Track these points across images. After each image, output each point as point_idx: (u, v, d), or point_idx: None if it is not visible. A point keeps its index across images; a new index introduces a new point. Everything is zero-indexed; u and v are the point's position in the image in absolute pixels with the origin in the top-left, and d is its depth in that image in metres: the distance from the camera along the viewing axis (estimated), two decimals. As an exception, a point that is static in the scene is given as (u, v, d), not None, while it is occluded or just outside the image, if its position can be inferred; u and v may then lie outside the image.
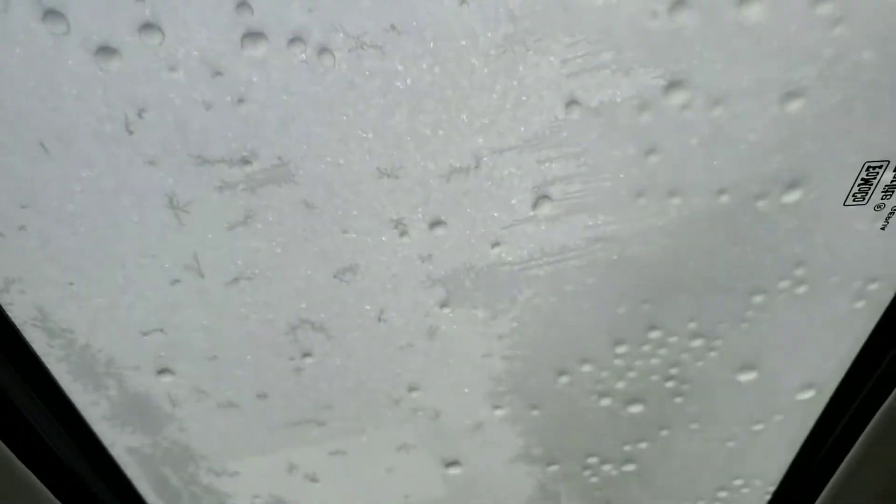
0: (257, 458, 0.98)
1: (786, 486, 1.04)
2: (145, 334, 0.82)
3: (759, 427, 0.96)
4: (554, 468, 1.02)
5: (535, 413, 0.94)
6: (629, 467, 1.01)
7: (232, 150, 0.67)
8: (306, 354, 0.86)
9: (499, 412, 0.94)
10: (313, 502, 1.05)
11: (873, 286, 0.81)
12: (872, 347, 0.87)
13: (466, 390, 0.91)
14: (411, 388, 0.91)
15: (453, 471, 1.01)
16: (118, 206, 0.71)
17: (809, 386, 0.91)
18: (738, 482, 1.04)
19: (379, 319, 0.82)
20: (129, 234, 0.73)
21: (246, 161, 0.68)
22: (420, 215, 0.73)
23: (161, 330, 0.82)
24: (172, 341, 0.83)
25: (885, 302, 0.82)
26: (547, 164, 0.69)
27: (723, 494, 1.06)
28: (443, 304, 0.82)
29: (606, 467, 1.01)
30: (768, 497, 1.05)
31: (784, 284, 0.80)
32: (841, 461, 0.92)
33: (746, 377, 0.90)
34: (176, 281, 0.77)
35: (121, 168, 0.68)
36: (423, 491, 1.04)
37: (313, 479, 1.01)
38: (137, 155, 0.67)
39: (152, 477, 0.99)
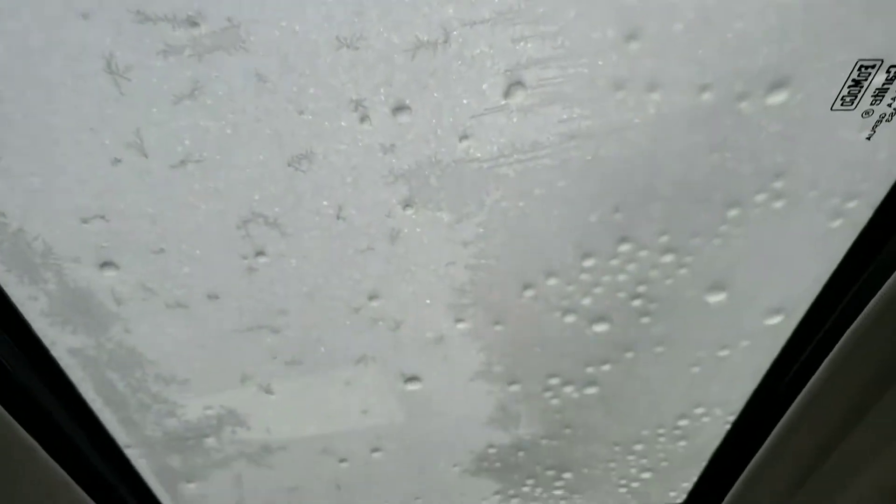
0: (208, 366, 0.94)
1: (746, 416, 1.04)
2: (85, 221, 0.76)
3: (724, 353, 0.95)
4: (515, 388, 1.00)
5: (497, 328, 0.92)
6: (591, 390, 1.00)
7: (176, 7, 0.61)
8: (259, 253, 0.81)
9: (461, 326, 0.91)
10: (268, 415, 1.02)
11: (851, 204, 0.78)
12: (844, 271, 0.85)
13: (428, 301, 0.88)
14: (371, 297, 0.87)
15: (412, 386, 0.99)
16: (50, 67, 0.64)
17: (778, 311, 0.90)
18: (700, 410, 1.03)
19: (337, 217, 0.78)
20: (63, 102, 0.67)
21: (192, 22, 0.62)
22: (382, 97, 0.68)
23: (102, 217, 0.76)
24: (115, 230, 0.78)
25: (862, 221, 0.80)
26: (521, 44, 0.64)
27: (683, 423, 1.05)
28: (406, 204, 0.77)
29: (568, 389, 1.00)
30: (728, 426, 1.05)
31: (761, 198, 0.77)
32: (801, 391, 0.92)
33: (716, 298, 0.88)
34: (117, 160, 0.71)
35: (50, 20, 0.61)
36: (382, 406, 1.01)
37: (268, 391, 0.98)
38: (68, 5, 0.60)
39: (98, 381, 0.95)
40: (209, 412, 1.01)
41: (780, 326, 0.91)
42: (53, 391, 0.94)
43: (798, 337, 0.94)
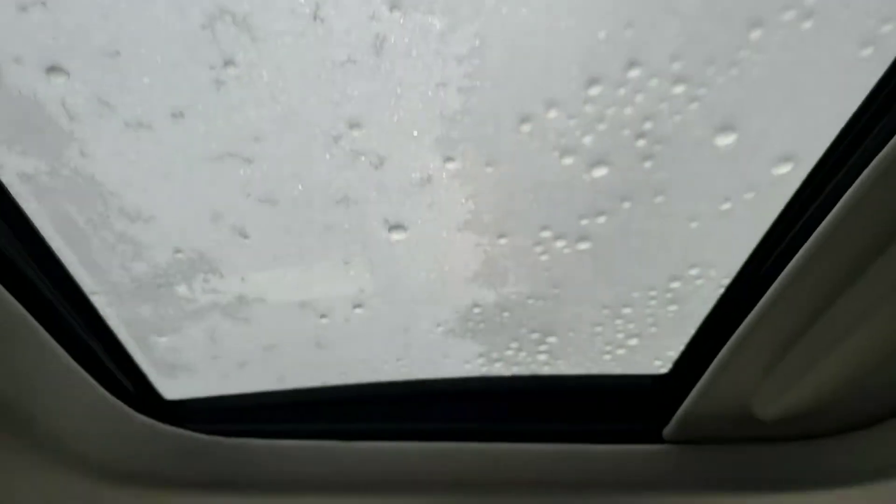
0: (176, 201, 0.87)
1: (740, 279, 1.01)
2: (23, 9, 0.67)
3: (726, 206, 0.90)
4: (504, 241, 0.95)
5: (489, 170, 0.85)
6: (583, 245, 0.95)
7: None
8: (228, 63, 0.72)
9: (450, 165, 0.84)
10: (242, 262, 0.96)
11: (887, 28, 0.71)
12: (865, 112, 0.79)
13: (415, 132, 0.81)
14: (352, 124, 0.79)
15: (397, 236, 0.93)
16: None
17: (789, 158, 0.84)
18: (694, 272, 1.00)
19: (314, 18, 0.69)
20: None
21: None
22: None
23: (42, 3, 0.66)
24: (60, 23, 0.68)
25: (894, 52, 0.73)
26: None
27: (675, 285, 1.02)
28: (392, 5, 0.68)
29: (559, 244, 0.95)
30: (721, 290, 1.02)
31: (789, 16, 0.70)
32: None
33: (724, 140, 0.82)
34: (53, -75, 0.61)
35: None
36: (364, 257, 0.96)
37: (242, 234, 0.92)
38: None
39: (55, 215, 0.88)
40: (179, 256, 0.95)
41: (787, 177, 0.86)
42: (8, 225, 0.88)
43: (804, 192, 0.90)
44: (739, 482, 1.08)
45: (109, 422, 1.01)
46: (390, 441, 1.12)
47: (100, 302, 1.00)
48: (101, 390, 0.99)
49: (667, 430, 1.12)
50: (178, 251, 0.94)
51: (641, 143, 0.82)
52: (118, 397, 1.04)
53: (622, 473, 1.10)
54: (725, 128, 0.81)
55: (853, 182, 0.78)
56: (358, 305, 1.05)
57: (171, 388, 1.17)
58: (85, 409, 0.96)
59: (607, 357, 1.16)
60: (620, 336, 1.11)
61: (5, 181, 0.83)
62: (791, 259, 0.88)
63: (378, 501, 1.11)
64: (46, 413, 0.90)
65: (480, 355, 1.15)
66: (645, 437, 1.13)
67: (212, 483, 1.10)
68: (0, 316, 0.79)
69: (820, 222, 0.83)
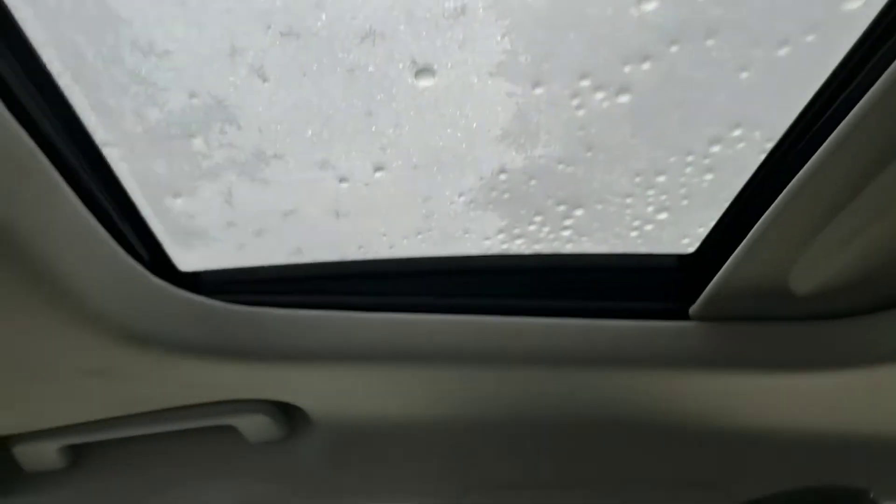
0: (192, 31, 0.81)
1: (784, 143, 0.95)
2: None
3: (783, 51, 0.83)
4: (539, 91, 0.89)
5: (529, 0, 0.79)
6: (623, 98, 0.89)
7: None
8: None
9: (486, -7, 0.78)
10: (261, 110, 0.91)
11: None
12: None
13: (451, -51, 0.74)
14: (383, -63, 0.73)
15: (424, 82, 0.87)
16: None
17: (858, -9, 0.77)
18: (737, 132, 0.94)
19: None
20: None
21: None
22: None
23: None
24: None
25: None
26: None
27: (716, 149, 0.97)
28: None
29: (598, 96, 0.89)
30: (764, 155, 0.97)
31: None
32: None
33: (790, -34, 0.75)
34: None
35: None
36: (388, 107, 0.91)
37: (261, 76, 0.87)
38: None
39: (62, 47, 0.82)
40: (194, 101, 0.90)
41: (856, 15, 0.79)
42: (14, 53, 0.82)
43: (872, 32, 0.82)
44: (768, 360, 1.06)
45: (125, 282, 0.98)
46: (408, 313, 1.10)
47: (112, 155, 0.96)
48: (118, 248, 0.96)
49: (693, 308, 1.09)
50: (193, 95, 0.89)
51: (698, -32, 0.75)
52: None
53: (645, 349, 1.08)
54: (792, -50, 0.73)
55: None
56: (379, 168, 1.00)
57: (186, 259, 1.14)
58: (100, 265, 0.93)
59: (634, 234, 1.12)
60: (651, 209, 1.07)
61: (9, 3, 0.77)
62: (843, 118, 0.82)
63: (392, 371, 1.10)
64: (61, 263, 0.86)
65: (501, 231, 1.11)
66: (670, 314, 1.11)
67: (229, 350, 1.08)
68: (14, 153, 0.75)
69: (878, 77, 0.77)
